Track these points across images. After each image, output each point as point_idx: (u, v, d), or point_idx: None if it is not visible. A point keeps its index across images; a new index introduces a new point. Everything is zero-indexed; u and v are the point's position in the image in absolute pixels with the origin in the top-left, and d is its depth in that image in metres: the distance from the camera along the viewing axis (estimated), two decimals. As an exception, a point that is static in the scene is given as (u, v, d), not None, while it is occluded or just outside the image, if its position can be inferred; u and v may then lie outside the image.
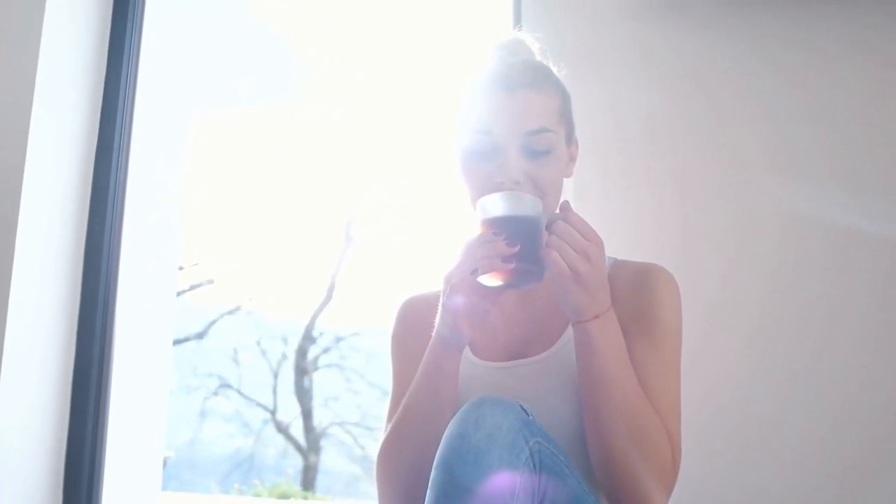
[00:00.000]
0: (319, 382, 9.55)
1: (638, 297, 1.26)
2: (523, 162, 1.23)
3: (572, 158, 1.32)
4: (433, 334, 1.22)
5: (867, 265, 1.76)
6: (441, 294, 1.19)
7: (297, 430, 9.29)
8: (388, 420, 1.32)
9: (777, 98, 1.85)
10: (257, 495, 7.17)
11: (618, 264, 1.32)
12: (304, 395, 9.44)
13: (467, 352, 1.31)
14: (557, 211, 1.21)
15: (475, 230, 1.19)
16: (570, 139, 1.31)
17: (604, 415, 1.16)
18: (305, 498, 7.84)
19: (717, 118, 1.85)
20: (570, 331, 1.25)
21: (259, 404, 9.35)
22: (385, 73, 9.01)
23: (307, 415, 9.37)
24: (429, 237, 9.17)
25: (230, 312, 9.62)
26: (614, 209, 1.78)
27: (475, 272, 1.14)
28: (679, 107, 1.85)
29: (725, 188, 1.81)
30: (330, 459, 9.34)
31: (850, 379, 1.72)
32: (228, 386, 9.44)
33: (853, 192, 1.79)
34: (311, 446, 9.28)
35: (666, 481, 1.18)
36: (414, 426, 1.22)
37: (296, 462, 9.13)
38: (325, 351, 9.55)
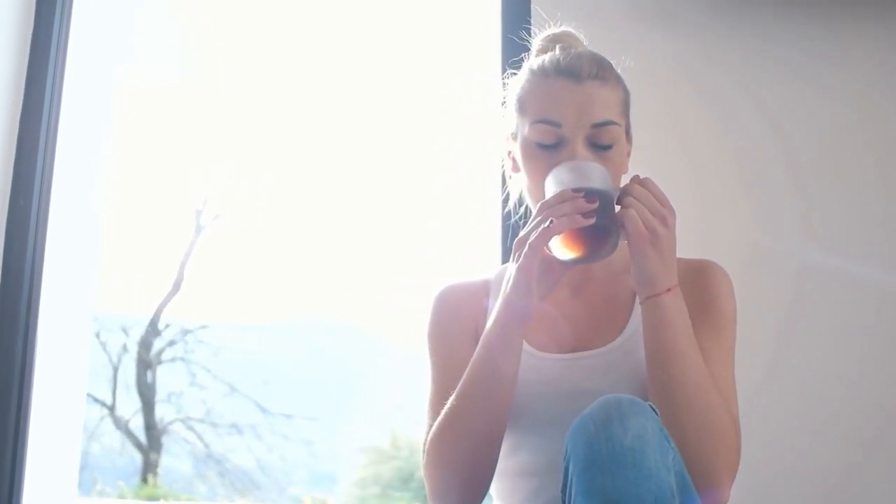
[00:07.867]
0: (163, 377, 9.12)
1: (698, 290, 1.25)
2: (588, 154, 1.21)
3: (628, 154, 1.31)
4: (499, 303, 1.17)
5: (833, 272, 1.84)
6: (512, 258, 1.14)
7: (138, 427, 8.85)
8: (432, 415, 1.24)
9: (744, 108, 1.90)
10: (121, 496, 6.78)
11: None
12: (146, 390, 9.00)
13: (524, 343, 1.25)
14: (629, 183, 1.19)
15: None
16: (629, 135, 1.30)
17: (676, 391, 1.12)
18: (178, 499, 7.48)
19: (683, 132, 1.89)
20: (633, 323, 1.23)
21: (96, 399, 8.83)
22: (260, 62, 8.74)
23: (149, 410, 8.94)
24: (285, 228, 8.99)
25: (66, 302, 9.02)
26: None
27: (551, 228, 1.09)
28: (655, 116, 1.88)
29: (703, 194, 1.86)
30: (171, 457, 8.94)
31: (819, 383, 1.80)
32: (63, 380, 8.86)
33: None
34: (151, 444, 8.86)
35: (732, 466, 1.15)
36: (475, 404, 1.16)
37: (135, 460, 8.70)
38: (171, 344, 9.12)
